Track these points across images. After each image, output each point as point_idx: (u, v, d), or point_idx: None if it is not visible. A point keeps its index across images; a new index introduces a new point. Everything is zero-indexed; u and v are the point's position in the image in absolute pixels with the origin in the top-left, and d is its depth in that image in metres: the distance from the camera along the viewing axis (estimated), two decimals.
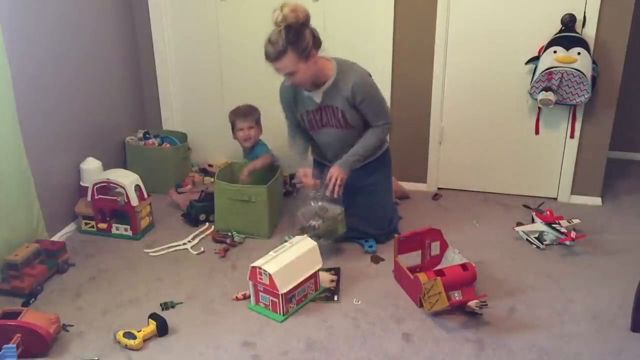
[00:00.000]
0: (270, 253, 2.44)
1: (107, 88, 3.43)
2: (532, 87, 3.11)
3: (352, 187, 2.82)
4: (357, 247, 2.92)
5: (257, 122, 3.33)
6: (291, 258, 2.42)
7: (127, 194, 2.95)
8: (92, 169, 3.16)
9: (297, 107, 2.86)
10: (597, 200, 3.36)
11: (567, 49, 2.97)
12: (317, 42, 2.63)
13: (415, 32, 3.28)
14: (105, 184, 2.99)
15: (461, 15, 3.20)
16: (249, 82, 3.61)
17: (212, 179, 3.64)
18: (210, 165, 3.82)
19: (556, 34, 3.04)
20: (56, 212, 3.01)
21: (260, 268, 2.35)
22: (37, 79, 2.84)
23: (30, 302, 2.50)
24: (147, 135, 3.63)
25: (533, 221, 3.02)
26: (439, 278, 2.29)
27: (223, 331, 2.33)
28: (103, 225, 3.04)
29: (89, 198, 3.03)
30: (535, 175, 3.42)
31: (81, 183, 3.16)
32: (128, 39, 3.61)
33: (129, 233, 3.03)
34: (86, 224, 3.08)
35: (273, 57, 2.57)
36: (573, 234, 2.84)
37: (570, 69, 2.97)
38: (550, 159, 3.36)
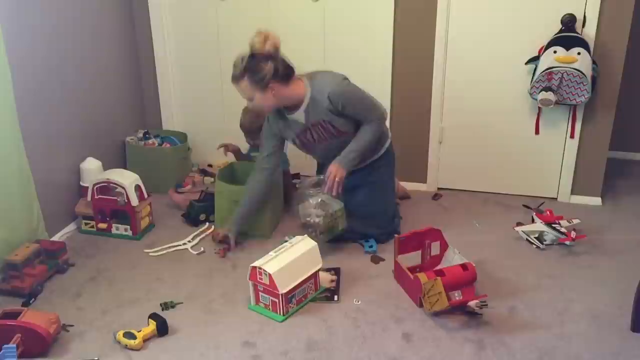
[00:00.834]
0: (270, 253, 2.44)
1: (107, 88, 3.43)
2: (532, 87, 3.11)
3: (355, 186, 2.81)
4: (357, 247, 2.92)
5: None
6: (291, 258, 2.41)
7: (127, 194, 2.95)
8: (92, 169, 3.16)
9: (287, 135, 2.84)
10: (597, 201, 3.36)
11: (567, 49, 2.97)
12: (281, 76, 2.58)
13: (415, 32, 3.28)
14: (106, 184, 2.99)
15: (461, 15, 3.20)
16: None
17: (212, 179, 3.64)
18: (210, 166, 3.82)
19: (556, 34, 3.03)
20: (56, 212, 3.01)
21: (260, 268, 2.35)
22: (37, 79, 2.83)
23: (30, 302, 2.49)
24: (147, 135, 3.63)
25: (533, 221, 3.02)
26: (439, 278, 2.29)
27: (223, 331, 2.32)
28: (103, 226, 3.04)
29: (89, 198, 3.02)
30: (535, 175, 3.42)
31: (81, 183, 3.16)
32: (128, 39, 3.61)
33: (129, 233, 3.03)
34: (86, 224, 3.08)
35: (232, 79, 2.62)
36: (573, 234, 2.84)
37: (570, 69, 2.97)
38: (550, 159, 3.36)
